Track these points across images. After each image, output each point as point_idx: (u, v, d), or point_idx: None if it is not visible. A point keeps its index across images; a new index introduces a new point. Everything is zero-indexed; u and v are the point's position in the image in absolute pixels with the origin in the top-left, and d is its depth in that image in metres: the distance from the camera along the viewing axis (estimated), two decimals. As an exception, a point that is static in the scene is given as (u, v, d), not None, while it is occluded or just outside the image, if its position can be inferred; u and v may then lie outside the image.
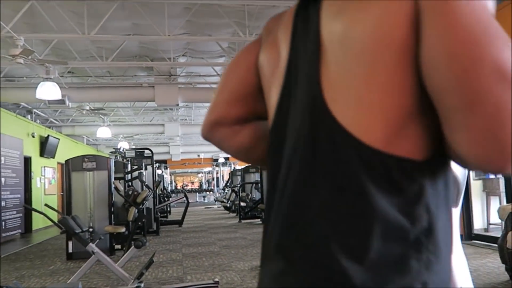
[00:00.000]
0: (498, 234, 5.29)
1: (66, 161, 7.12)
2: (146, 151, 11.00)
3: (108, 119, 13.48)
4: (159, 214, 10.11)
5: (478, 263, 4.77)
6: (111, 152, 12.95)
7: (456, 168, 1.14)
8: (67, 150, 13.66)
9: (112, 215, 6.97)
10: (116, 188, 7.26)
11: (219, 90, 0.79)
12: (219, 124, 0.77)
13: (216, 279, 3.47)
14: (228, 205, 14.57)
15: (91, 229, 5.37)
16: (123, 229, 6.06)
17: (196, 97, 9.83)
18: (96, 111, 11.86)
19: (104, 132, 12.60)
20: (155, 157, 11.45)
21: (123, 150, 10.65)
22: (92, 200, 6.90)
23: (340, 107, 0.55)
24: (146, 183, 9.46)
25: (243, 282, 4.63)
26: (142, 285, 4.47)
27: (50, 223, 7.97)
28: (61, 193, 13.13)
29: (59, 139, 12.93)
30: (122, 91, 9.34)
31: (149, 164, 10.56)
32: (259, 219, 10.86)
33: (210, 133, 0.79)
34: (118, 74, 9.66)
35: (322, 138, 0.55)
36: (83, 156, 7.19)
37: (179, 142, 20.99)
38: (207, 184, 29.20)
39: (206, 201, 23.94)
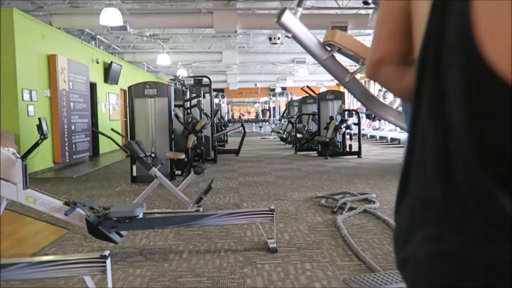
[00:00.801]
0: None
1: (129, 87, 7.30)
2: (204, 79, 11.04)
3: (167, 46, 13.55)
4: (216, 142, 10.34)
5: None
6: (170, 79, 13.15)
7: None
8: (128, 76, 14.06)
9: (173, 142, 7.20)
10: (176, 115, 7.41)
11: (381, 22, 0.72)
12: (383, 63, 0.73)
13: (272, 207, 3.52)
14: (284, 136, 14.60)
15: (153, 155, 5.57)
16: (183, 156, 6.26)
17: (256, 23, 9.54)
18: (155, 37, 11.91)
19: (163, 59, 12.75)
20: (213, 86, 11.49)
21: (182, 77, 10.75)
22: (154, 127, 7.13)
23: (491, 45, 0.42)
24: (204, 111, 9.60)
25: (298, 211, 4.69)
26: (201, 209, 4.66)
27: (115, 147, 8.48)
28: (124, 119, 13.75)
29: (121, 65, 13.27)
30: (181, 17, 9.24)
31: (207, 92, 10.63)
32: (315, 151, 10.82)
33: (375, 73, 0.76)
34: (177, 0, 9.50)
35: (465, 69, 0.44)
36: (145, 83, 7.32)
37: (236, 71, 20.91)
38: (263, 114, 29.30)
39: (262, 131, 24.17)
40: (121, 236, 3.32)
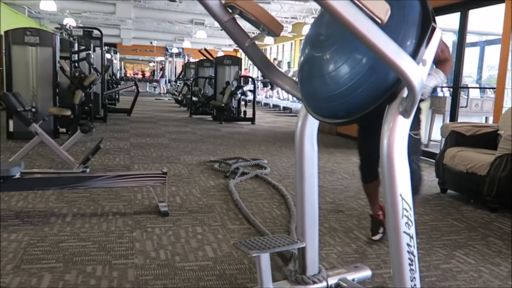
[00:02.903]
0: (437, 150, 5.66)
1: (6, 32, 6.49)
2: (95, 31, 10.23)
3: (54, -11, 12.17)
4: (107, 100, 9.77)
5: (413, 176, 5.10)
6: (56, 28, 11.87)
7: (414, 79, 1.07)
8: (5, 20, 12.38)
9: (57, 97, 6.62)
10: (61, 67, 6.81)
11: None
12: None
13: (164, 170, 3.46)
14: (180, 98, 14.32)
15: (34, 109, 5.05)
16: (68, 112, 5.77)
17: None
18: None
19: (48, 5, 11.43)
20: (104, 40, 10.70)
21: (69, 27, 9.81)
22: (35, 78, 6.46)
23: None
24: (94, 66, 8.95)
25: (191, 175, 4.69)
26: (88, 170, 4.40)
27: (-13, 97, 7.47)
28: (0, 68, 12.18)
29: (-5, 6, 11.63)
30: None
31: (98, 46, 9.90)
32: (210, 116, 10.82)
33: None
34: None
35: None
36: (25, 29, 6.56)
37: (131, 26, 19.69)
38: (159, 74, 28.19)
39: (156, 92, 23.37)
40: (-7, 198, 3.00)
